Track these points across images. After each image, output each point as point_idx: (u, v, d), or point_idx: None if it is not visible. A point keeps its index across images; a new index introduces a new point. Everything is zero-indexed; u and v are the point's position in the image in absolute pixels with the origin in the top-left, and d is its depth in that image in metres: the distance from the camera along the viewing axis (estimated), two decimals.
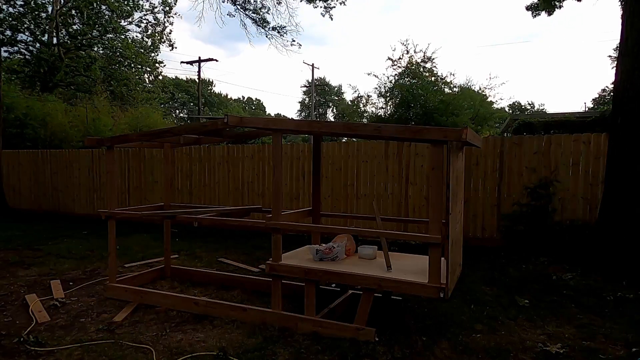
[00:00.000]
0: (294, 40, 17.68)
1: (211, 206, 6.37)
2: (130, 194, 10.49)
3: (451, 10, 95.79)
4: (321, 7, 12.82)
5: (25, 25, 19.05)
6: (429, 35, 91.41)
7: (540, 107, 51.64)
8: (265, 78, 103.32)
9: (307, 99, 56.48)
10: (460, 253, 4.03)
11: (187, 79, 48.51)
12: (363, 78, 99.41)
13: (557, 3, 10.20)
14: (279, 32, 14.11)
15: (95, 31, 20.06)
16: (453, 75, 33.37)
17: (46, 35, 20.27)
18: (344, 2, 12.83)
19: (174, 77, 45.48)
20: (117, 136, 4.70)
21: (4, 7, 17.14)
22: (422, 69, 19.43)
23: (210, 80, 54.95)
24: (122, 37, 21.41)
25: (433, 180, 3.16)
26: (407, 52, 19.69)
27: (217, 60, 31.97)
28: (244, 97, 66.61)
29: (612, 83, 6.15)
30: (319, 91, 56.77)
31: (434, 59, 19.75)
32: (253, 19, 13.86)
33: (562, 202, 6.73)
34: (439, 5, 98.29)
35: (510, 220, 6.86)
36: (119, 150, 10.26)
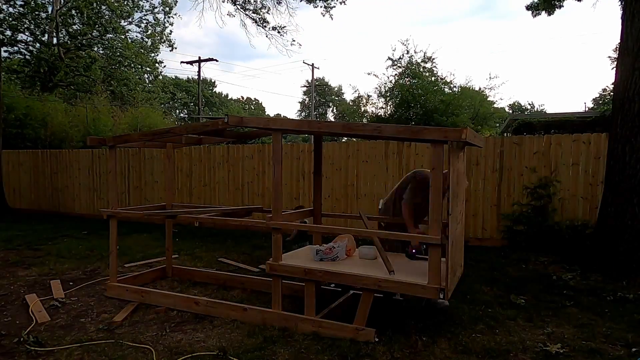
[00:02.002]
0: (294, 40, 17.81)
1: (212, 206, 6.38)
2: (131, 194, 10.49)
3: (451, 9, 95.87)
4: (321, 7, 12.82)
5: (25, 25, 19.03)
6: (429, 34, 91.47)
7: (540, 107, 51.62)
8: (265, 79, 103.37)
9: (307, 99, 56.44)
10: (461, 254, 4.03)
11: (187, 78, 48.52)
12: (363, 78, 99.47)
13: (557, 3, 10.20)
14: (279, 32, 14.12)
15: (95, 31, 20.05)
16: (453, 75, 33.44)
17: (46, 35, 20.26)
18: (344, 2, 12.83)
19: (174, 77, 45.43)
20: (119, 136, 4.71)
21: (4, 7, 17.14)
22: (422, 69, 19.44)
23: (212, 80, 54.95)
24: (122, 37, 21.39)
25: (433, 180, 3.16)
26: (407, 52, 19.71)
27: (217, 60, 31.96)
28: (244, 97, 66.57)
29: (612, 83, 6.15)
30: (319, 91, 56.74)
31: (434, 59, 19.78)
32: (253, 19, 13.87)
33: (562, 202, 6.74)
34: (439, 5, 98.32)
35: (510, 220, 6.87)
36: (119, 150, 10.26)
